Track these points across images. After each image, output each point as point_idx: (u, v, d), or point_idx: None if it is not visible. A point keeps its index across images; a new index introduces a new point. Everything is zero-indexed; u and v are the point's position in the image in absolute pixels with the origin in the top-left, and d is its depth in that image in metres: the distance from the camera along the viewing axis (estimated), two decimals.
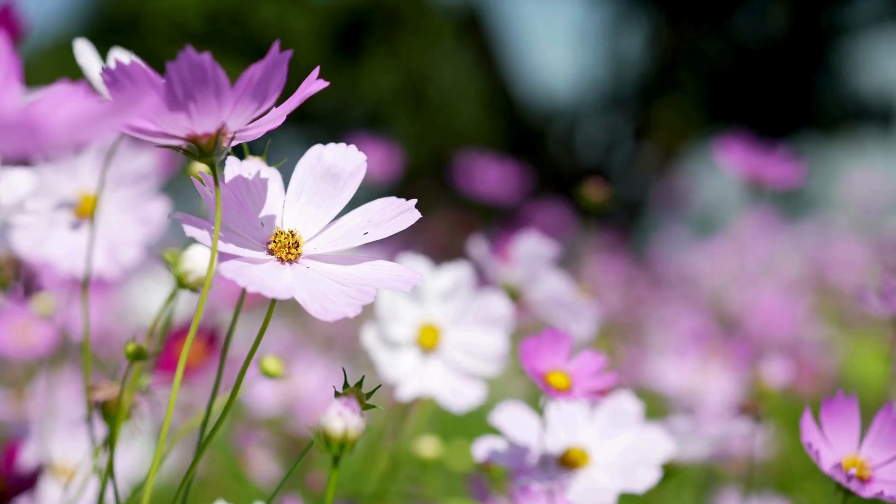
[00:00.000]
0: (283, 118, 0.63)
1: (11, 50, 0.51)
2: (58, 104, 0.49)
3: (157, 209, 1.00)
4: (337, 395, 0.68)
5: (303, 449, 1.75)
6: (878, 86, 9.19)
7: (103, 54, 0.88)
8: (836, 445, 0.77)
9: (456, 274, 1.05)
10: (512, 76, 9.34)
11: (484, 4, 9.38)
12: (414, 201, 0.65)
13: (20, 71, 0.51)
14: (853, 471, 0.75)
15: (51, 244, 0.98)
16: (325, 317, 0.59)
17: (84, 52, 0.85)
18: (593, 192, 1.59)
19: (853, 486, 0.75)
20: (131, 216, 1.00)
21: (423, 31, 8.90)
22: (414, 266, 1.03)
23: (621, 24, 9.46)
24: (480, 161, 3.54)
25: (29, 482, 0.95)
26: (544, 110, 9.40)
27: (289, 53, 0.58)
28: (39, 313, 1.16)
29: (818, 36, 9.06)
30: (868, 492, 0.75)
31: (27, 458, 1.01)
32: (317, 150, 0.69)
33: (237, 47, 7.67)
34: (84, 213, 0.99)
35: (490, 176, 3.50)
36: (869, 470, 0.76)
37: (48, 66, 6.66)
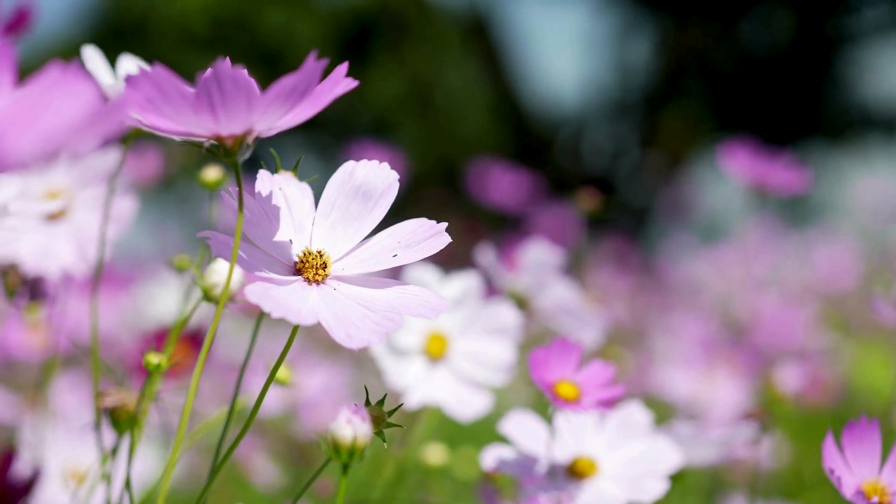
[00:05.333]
0: (308, 117, 0.61)
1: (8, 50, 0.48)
2: (33, 108, 0.45)
3: (126, 207, 0.99)
4: (365, 405, 0.67)
5: (305, 453, 1.75)
6: (884, 94, 9.18)
7: (110, 60, 0.87)
8: (856, 470, 0.77)
9: (464, 283, 1.04)
10: (518, 83, 9.34)
11: (491, 11, 9.38)
12: (444, 224, 0.63)
13: (15, 72, 0.48)
14: (875, 499, 0.75)
15: (22, 244, 0.97)
16: (349, 344, 0.57)
17: (92, 59, 0.84)
18: (585, 200, 1.62)
19: None
20: (101, 214, 0.98)
21: (430, 38, 8.90)
22: (423, 275, 1.03)
23: (628, 32, 9.45)
24: (489, 168, 3.54)
25: (23, 491, 0.94)
26: (551, 117, 9.40)
27: (324, 62, 0.56)
28: (31, 319, 1.15)
29: (824, 44, 9.06)
30: None
31: (23, 465, 1.00)
32: (349, 166, 0.67)
33: (244, 53, 7.66)
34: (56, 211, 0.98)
35: (498, 183, 3.50)
36: (889, 496, 0.76)
37: None
